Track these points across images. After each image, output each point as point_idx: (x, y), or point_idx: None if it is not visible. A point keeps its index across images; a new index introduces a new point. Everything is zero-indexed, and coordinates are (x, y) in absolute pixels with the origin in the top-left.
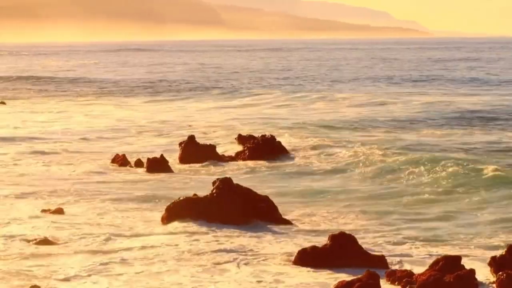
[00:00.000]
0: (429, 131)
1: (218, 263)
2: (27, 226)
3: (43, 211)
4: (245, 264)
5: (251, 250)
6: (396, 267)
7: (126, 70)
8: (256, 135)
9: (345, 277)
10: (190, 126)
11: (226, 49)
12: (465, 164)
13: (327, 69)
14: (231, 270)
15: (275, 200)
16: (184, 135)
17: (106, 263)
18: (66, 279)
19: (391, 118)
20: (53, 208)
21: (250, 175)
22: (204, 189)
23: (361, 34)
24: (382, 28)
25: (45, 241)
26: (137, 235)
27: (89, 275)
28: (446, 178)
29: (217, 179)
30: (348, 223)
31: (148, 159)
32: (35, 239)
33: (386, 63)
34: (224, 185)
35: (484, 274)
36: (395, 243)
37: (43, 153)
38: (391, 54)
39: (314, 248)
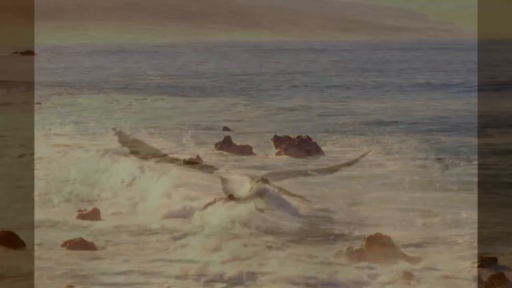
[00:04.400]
0: None
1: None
2: (62, 227)
3: (79, 211)
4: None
5: None
6: None
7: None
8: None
9: None
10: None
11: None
12: None
13: None
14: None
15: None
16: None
17: (143, 265)
18: (102, 281)
19: None
20: (89, 208)
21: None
22: (240, 190)
23: (399, 35)
24: (420, 29)
25: (81, 243)
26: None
27: (125, 276)
28: None
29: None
30: (383, 223)
31: (184, 160)
32: (70, 240)
33: None
34: None
35: None
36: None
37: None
38: None
39: (349, 249)
